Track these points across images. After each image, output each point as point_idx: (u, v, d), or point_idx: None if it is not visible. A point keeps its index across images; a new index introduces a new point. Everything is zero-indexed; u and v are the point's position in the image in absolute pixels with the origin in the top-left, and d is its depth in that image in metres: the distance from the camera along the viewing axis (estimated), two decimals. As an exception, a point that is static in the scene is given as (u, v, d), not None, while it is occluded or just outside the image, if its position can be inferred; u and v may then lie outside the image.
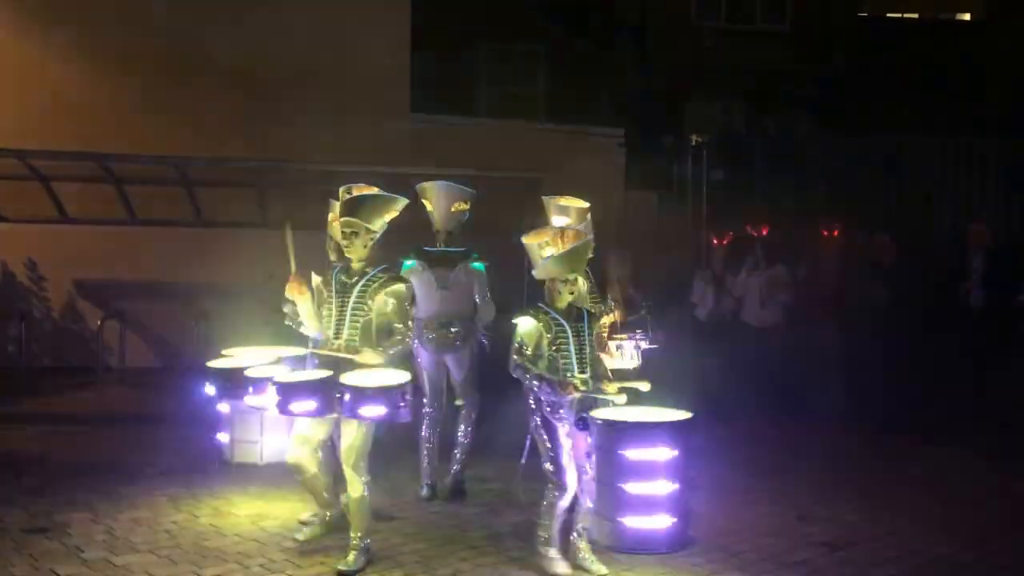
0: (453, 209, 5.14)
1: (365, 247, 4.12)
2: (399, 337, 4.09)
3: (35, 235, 9.75)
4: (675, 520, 4.43)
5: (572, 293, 4.05)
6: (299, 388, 3.95)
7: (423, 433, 5.16)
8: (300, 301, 4.14)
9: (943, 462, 6.31)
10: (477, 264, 5.14)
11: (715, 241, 7.91)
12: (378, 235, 4.18)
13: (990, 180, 9.30)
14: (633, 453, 4.37)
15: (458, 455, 5.25)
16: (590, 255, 4.24)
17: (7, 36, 10.18)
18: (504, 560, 4.24)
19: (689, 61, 14.17)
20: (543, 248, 4.06)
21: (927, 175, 9.55)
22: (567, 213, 4.69)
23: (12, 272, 10.00)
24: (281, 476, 5.42)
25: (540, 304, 4.11)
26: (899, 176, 9.52)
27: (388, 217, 4.20)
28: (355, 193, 4.24)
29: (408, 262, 5.06)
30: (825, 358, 7.18)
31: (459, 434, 5.25)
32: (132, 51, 10.26)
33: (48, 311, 10.07)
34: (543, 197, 4.86)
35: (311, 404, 3.92)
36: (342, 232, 4.14)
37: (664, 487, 4.40)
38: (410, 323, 4.28)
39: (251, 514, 4.86)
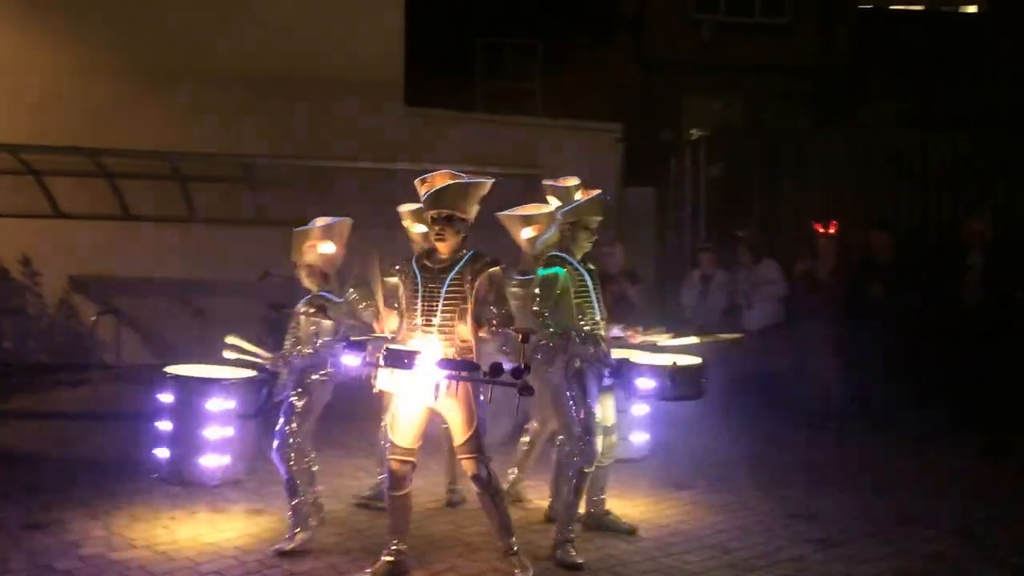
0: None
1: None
2: None
3: (28, 230, 9.80)
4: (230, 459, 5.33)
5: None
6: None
7: None
8: None
9: (937, 460, 6.41)
10: None
11: (705, 242, 8.02)
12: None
13: (990, 176, 9.35)
14: (211, 404, 5.17)
15: None
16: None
17: (-1, 31, 10.22)
18: (498, 556, 4.30)
19: (687, 55, 14.23)
20: None
21: (927, 170, 9.59)
22: (551, 193, 4.79)
23: (6, 268, 10.06)
24: (277, 472, 5.52)
25: None
26: (899, 171, 9.57)
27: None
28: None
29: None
30: (820, 356, 7.26)
31: None
32: (124, 44, 10.29)
33: (43, 307, 10.12)
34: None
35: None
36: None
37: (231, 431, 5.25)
38: None
39: (248, 510, 4.96)
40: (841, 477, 5.89)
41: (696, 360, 4.64)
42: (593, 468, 4.37)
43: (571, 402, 4.33)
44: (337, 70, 10.45)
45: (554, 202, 4.75)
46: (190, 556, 4.24)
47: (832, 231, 7.52)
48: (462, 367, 3.75)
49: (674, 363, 4.37)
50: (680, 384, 4.39)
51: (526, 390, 3.59)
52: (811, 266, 7.49)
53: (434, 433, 5.43)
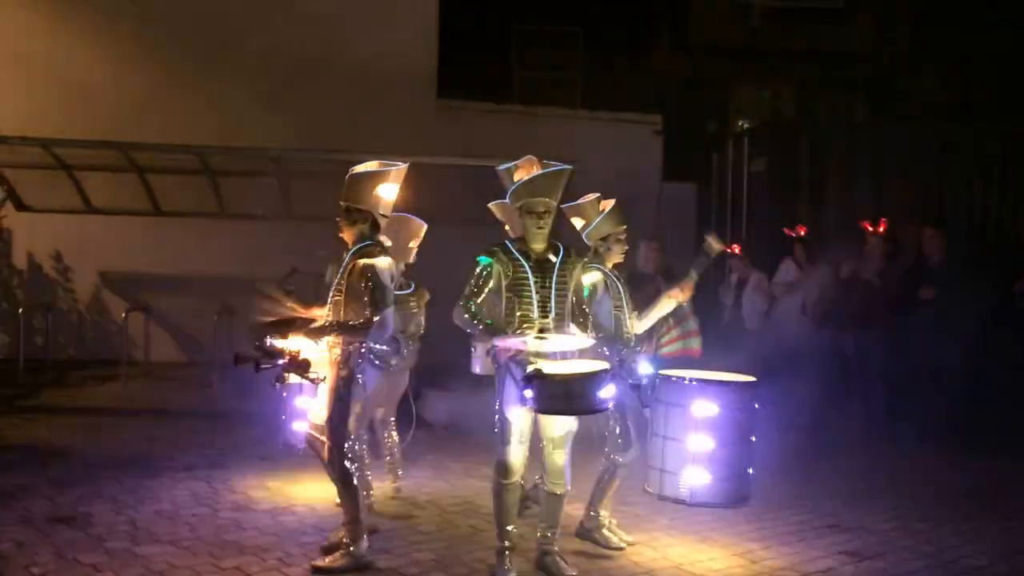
0: None
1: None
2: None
3: (60, 225, 10.20)
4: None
5: None
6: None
7: None
8: None
9: (984, 474, 6.38)
10: None
11: (735, 249, 8.07)
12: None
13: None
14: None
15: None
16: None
17: (32, 25, 10.62)
18: (519, 560, 4.43)
19: (736, 42, 14.12)
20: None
21: (990, 165, 9.42)
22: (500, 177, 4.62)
23: (38, 263, 10.48)
24: (299, 472, 5.75)
25: None
26: (956, 165, 9.41)
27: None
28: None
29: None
30: (865, 362, 7.23)
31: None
32: (157, 39, 10.63)
33: (74, 303, 10.53)
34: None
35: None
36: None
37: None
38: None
39: (269, 509, 5.17)
40: (882, 489, 5.89)
41: (582, 369, 3.96)
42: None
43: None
44: (369, 61, 10.68)
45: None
46: (211, 552, 4.45)
47: (881, 229, 7.47)
48: (268, 354, 4.12)
49: (537, 370, 3.79)
50: (544, 395, 3.77)
51: (280, 380, 4.12)
52: (856, 266, 7.46)
53: (446, 437, 5.63)
